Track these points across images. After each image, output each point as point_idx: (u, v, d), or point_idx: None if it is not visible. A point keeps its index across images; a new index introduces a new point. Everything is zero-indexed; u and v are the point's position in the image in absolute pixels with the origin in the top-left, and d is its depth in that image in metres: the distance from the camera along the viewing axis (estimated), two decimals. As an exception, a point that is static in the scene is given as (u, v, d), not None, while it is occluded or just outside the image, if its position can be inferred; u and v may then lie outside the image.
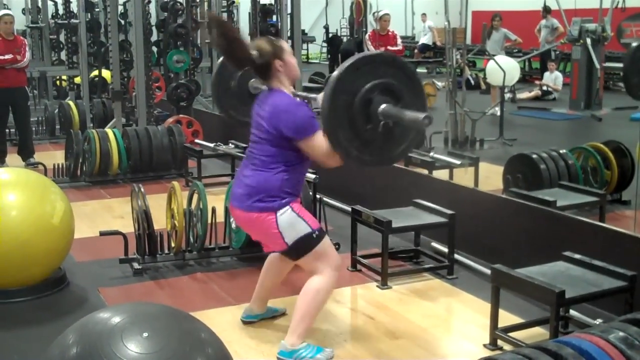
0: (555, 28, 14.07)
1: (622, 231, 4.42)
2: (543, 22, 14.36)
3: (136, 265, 4.94)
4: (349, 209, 5.26)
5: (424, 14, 20.02)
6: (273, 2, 10.92)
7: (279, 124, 3.54)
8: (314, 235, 3.62)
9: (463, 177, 6.65)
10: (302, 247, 3.62)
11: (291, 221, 3.58)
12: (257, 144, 3.67)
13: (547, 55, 14.61)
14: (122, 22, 12.32)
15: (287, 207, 3.58)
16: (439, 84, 13.02)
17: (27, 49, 8.48)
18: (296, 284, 4.48)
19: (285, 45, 3.72)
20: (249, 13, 10.66)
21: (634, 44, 6.36)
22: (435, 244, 5.32)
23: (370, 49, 10.38)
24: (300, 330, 3.66)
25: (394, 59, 3.59)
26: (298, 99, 3.70)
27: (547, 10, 14.23)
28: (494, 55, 11.00)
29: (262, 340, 3.93)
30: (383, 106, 3.33)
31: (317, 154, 3.55)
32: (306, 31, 18.98)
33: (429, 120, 3.19)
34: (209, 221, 4.99)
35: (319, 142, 3.50)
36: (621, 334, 2.72)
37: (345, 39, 17.68)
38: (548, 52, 14.58)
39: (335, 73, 3.39)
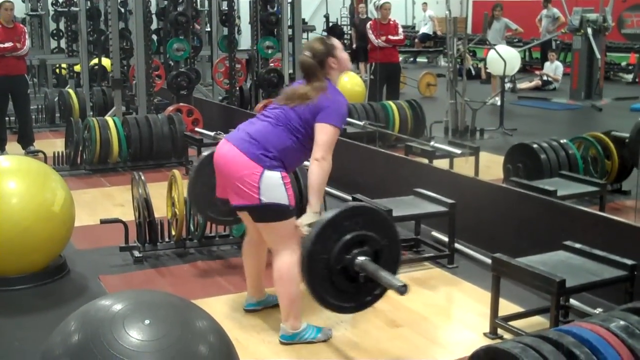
0: (557, 18, 14.04)
1: (623, 221, 4.43)
2: (544, 11, 14.33)
3: (137, 253, 4.95)
4: (350, 198, 5.26)
5: (424, 3, 19.97)
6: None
7: (323, 103, 3.58)
8: (288, 210, 3.60)
9: (463, 166, 6.65)
10: (272, 213, 3.58)
11: (274, 184, 3.54)
12: (279, 110, 3.67)
13: (547, 45, 14.58)
14: (122, 10, 12.28)
15: (278, 171, 3.57)
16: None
17: (26, 36, 8.46)
18: None
19: (337, 42, 3.78)
20: (250, 2, 10.62)
21: None
22: (435, 233, 5.33)
23: (372, 38, 10.36)
24: (294, 312, 3.70)
25: (374, 212, 3.58)
26: None
27: (547, 0, 14.20)
28: (494, 45, 10.99)
29: (263, 328, 3.94)
30: (360, 259, 3.37)
31: (321, 139, 3.55)
32: (306, 20, 18.90)
33: (406, 289, 3.24)
34: (210, 209, 4.99)
35: (332, 137, 3.56)
36: (622, 322, 2.72)
37: (345, 28, 17.66)
38: (549, 42, 14.55)
39: (321, 220, 3.39)
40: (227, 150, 3.66)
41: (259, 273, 4.14)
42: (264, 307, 4.16)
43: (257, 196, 3.53)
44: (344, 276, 3.40)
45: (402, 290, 3.24)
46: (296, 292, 3.69)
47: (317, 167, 3.55)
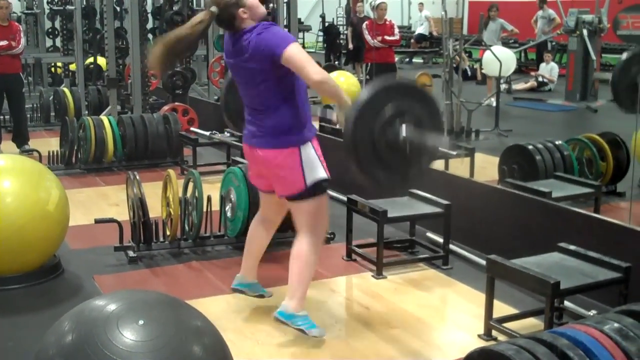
0: (552, 19, 14.05)
1: (617, 222, 4.43)
2: (540, 12, 14.34)
3: (131, 253, 4.94)
4: (345, 198, 5.26)
5: (420, 4, 19.98)
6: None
7: (262, 50, 3.54)
8: (324, 183, 3.70)
9: (459, 167, 6.64)
10: (313, 190, 3.67)
11: (312, 159, 3.64)
12: (252, 95, 3.68)
13: (543, 47, 14.59)
14: (118, 9, 12.25)
15: (309, 142, 3.64)
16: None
17: (21, 35, 8.45)
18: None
19: None
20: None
21: (624, 56, 6.34)
22: (430, 234, 5.33)
23: (368, 38, 10.37)
24: (299, 293, 3.72)
25: (414, 87, 3.65)
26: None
27: (543, 1, 14.22)
28: (490, 46, 11.00)
29: (257, 329, 3.94)
30: (405, 129, 3.40)
31: (300, 64, 3.51)
32: (302, 20, 18.90)
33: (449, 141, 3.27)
34: (205, 209, 4.99)
35: (300, 54, 3.53)
36: (616, 325, 2.72)
37: (341, 28, 17.65)
38: (544, 43, 14.55)
39: (358, 101, 3.40)
40: (257, 155, 3.75)
41: (259, 254, 4.16)
42: (250, 294, 4.17)
43: (302, 179, 3.63)
44: (391, 149, 3.41)
45: (446, 142, 3.29)
46: (307, 276, 3.74)
47: (320, 85, 3.52)
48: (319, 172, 3.67)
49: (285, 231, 4.91)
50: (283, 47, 3.51)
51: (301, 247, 3.73)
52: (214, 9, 3.60)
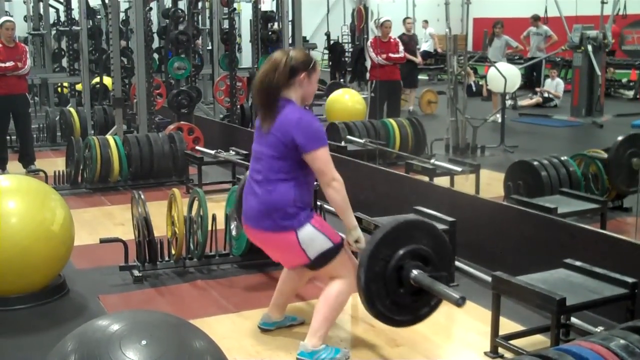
0: (549, 36, 14.01)
1: (623, 238, 4.41)
2: (532, 29, 14.28)
3: (136, 273, 4.94)
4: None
5: (425, 21, 20.01)
6: (274, 9, 10.95)
7: (291, 133, 3.54)
8: (336, 247, 3.68)
9: (464, 184, 6.64)
10: (325, 260, 3.66)
11: (312, 237, 3.61)
12: (262, 161, 3.67)
13: (538, 65, 14.46)
14: (124, 29, 12.35)
15: (307, 223, 3.61)
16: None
17: (28, 56, 8.49)
18: (310, 291, 4.51)
19: (319, 68, 3.75)
20: (250, 20, 10.67)
21: (619, 138, 6.38)
22: (436, 251, 5.31)
23: (372, 56, 10.40)
24: (321, 332, 3.71)
25: (425, 224, 3.70)
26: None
27: (535, 18, 14.20)
28: (495, 62, 11.01)
29: (264, 348, 3.92)
30: (415, 273, 3.47)
31: (320, 166, 3.56)
32: (307, 38, 18.95)
33: (464, 301, 3.36)
34: (210, 228, 4.99)
35: (325, 158, 3.57)
36: (622, 341, 2.70)
37: (346, 46, 17.70)
38: (539, 63, 14.43)
39: (369, 245, 3.50)
40: (254, 236, 3.78)
41: (290, 295, 4.16)
42: (278, 327, 4.14)
43: (305, 256, 3.63)
44: (402, 293, 3.51)
45: (460, 302, 3.34)
46: (332, 317, 3.74)
47: (332, 191, 3.57)
48: (323, 243, 3.63)
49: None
50: (315, 147, 3.55)
51: (333, 288, 3.72)
52: (291, 55, 3.64)
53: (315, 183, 3.76)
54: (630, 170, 6.23)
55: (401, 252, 3.47)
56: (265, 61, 3.74)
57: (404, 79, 12.88)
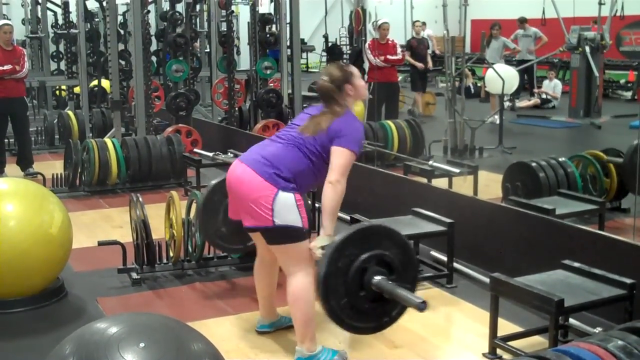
0: (538, 37, 13.95)
1: (622, 239, 4.42)
2: (520, 31, 14.20)
3: (134, 275, 4.93)
4: (348, 217, 5.25)
5: (423, 23, 20.02)
6: (272, 12, 10.95)
7: (338, 126, 3.61)
8: (302, 232, 3.60)
9: (462, 185, 6.64)
10: (285, 235, 3.58)
11: (288, 206, 3.54)
12: (281, 149, 3.67)
13: (530, 68, 14.38)
14: (122, 32, 12.33)
15: (291, 192, 3.57)
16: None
17: (25, 59, 8.49)
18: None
19: (355, 70, 3.79)
20: (248, 23, 10.67)
21: (635, 142, 6.31)
22: (434, 253, 5.32)
23: (370, 58, 10.40)
24: (309, 334, 3.68)
25: (389, 231, 3.55)
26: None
27: (522, 21, 14.14)
28: (492, 64, 11.02)
29: (262, 350, 3.92)
30: (377, 278, 3.36)
31: (339, 164, 3.57)
32: (305, 40, 18.97)
33: (425, 305, 3.23)
34: (208, 231, 4.98)
35: (347, 161, 3.58)
36: (620, 342, 2.71)
37: (344, 48, 17.70)
38: (531, 67, 14.36)
39: (333, 244, 3.38)
40: (241, 171, 3.65)
41: (270, 294, 4.12)
42: (276, 329, 4.14)
43: (270, 218, 3.53)
44: (362, 297, 3.38)
45: (422, 307, 3.23)
46: (311, 314, 3.67)
47: (332, 190, 3.55)
48: (293, 218, 3.56)
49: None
50: (345, 144, 3.58)
51: (294, 288, 3.65)
52: (325, 78, 3.70)
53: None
54: None
55: (367, 254, 3.36)
56: (318, 92, 3.81)
57: (414, 82, 12.84)
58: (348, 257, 3.35)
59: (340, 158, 3.58)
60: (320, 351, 3.69)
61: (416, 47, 12.56)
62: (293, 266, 3.65)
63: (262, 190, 3.54)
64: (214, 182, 4.32)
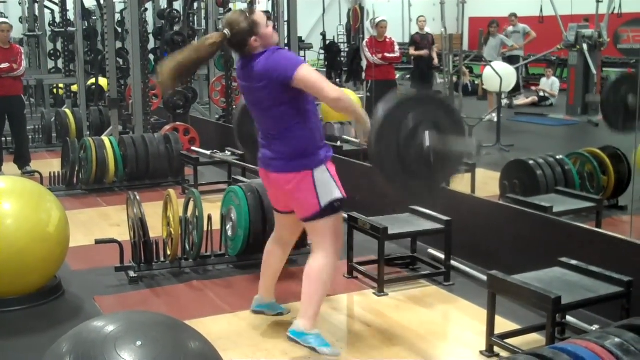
0: (527, 33, 13.92)
1: (619, 237, 4.41)
2: (510, 28, 14.18)
3: (132, 274, 4.93)
4: (345, 215, 5.24)
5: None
6: (270, 10, 10.93)
7: (272, 74, 3.58)
8: (339, 203, 3.72)
9: (460, 183, 6.62)
10: (328, 210, 3.68)
11: (326, 181, 3.66)
12: (264, 119, 3.71)
13: (514, 60, 14.37)
14: (119, 30, 12.31)
15: (323, 165, 3.66)
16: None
17: (23, 57, 8.48)
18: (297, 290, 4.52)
19: (260, 17, 3.69)
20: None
21: (614, 78, 6.42)
22: (431, 251, 5.32)
23: (368, 55, 10.39)
24: (310, 312, 3.74)
25: (437, 97, 3.75)
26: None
27: (514, 16, 14.12)
28: (490, 62, 11.02)
29: (259, 348, 3.92)
30: (430, 137, 3.46)
31: (315, 84, 3.57)
32: (303, 38, 18.95)
33: (480, 146, 3.32)
34: (205, 229, 4.98)
35: (309, 71, 3.59)
36: (617, 340, 2.71)
37: (342, 46, 17.70)
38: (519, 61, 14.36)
39: (381, 112, 3.47)
40: (273, 177, 3.77)
41: (275, 273, 4.18)
42: (269, 314, 4.20)
43: (316, 201, 3.65)
44: (416, 158, 3.48)
45: (478, 150, 3.44)
46: (318, 295, 3.76)
47: (337, 102, 3.58)
48: (334, 192, 3.69)
49: (299, 248, 4.94)
50: (294, 69, 3.54)
51: (314, 265, 3.75)
52: (227, 32, 3.64)
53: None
54: (625, 109, 6.25)
55: (415, 120, 3.46)
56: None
57: (414, 80, 12.78)
58: (394, 128, 3.44)
59: (308, 80, 3.56)
60: (313, 334, 3.74)
61: (420, 42, 12.53)
62: (321, 243, 3.75)
63: (301, 182, 3.65)
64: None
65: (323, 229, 3.74)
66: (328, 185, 3.67)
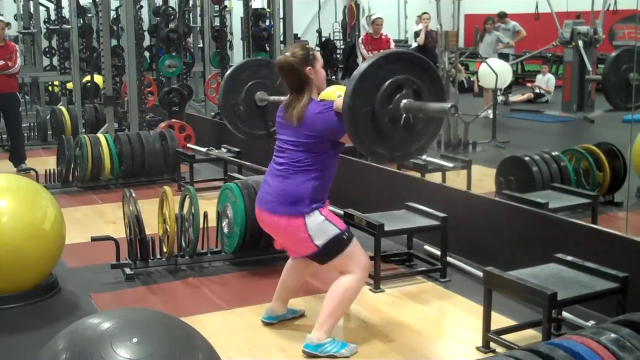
0: (517, 31, 13.89)
1: (614, 233, 4.42)
2: (501, 26, 14.19)
3: (128, 271, 4.93)
4: (341, 212, 5.24)
5: (419, 17, 19.98)
6: (266, 7, 10.93)
7: (319, 127, 3.62)
8: (344, 236, 3.70)
9: (456, 180, 6.65)
10: (333, 249, 3.68)
11: (319, 224, 3.65)
12: (287, 152, 3.71)
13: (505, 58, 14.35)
14: (114, 27, 12.29)
15: (316, 211, 3.65)
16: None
17: (18, 54, 8.46)
18: (313, 285, 4.56)
19: (319, 55, 3.79)
20: (242, 18, 10.65)
21: (613, 54, 6.43)
22: (428, 247, 5.32)
23: (363, 52, 10.39)
24: (327, 326, 3.74)
25: (413, 56, 3.66)
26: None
27: (501, 15, 14.10)
28: (486, 58, 11.02)
29: (255, 345, 3.92)
30: (405, 101, 3.42)
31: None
32: (299, 35, 18.93)
33: (455, 109, 3.30)
34: (201, 226, 4.98)
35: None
36: (613, 335, 2.71)
37: (338, 43, 17.69)
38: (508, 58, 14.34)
39: (355, 74, 3.44)
40: (264, 219, 3.81)
41: (294, 288, 4.17)
42: (280, 321, 4.17)
43: (312, 244, 3.65)
44: (391, 124, 3.45)
45: (452, 110, 3.28)
46: (339, 312, 3.78)
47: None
48: (330, 230, 3.67)
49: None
50: (328, 114, 3.62)
51: (342, 283, 3.74)
52: (288, 54, 3.70)
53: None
54: (626, 85, 6.26)
55: (389, 82, 3.41)
56: (278, 70, 3.79)
57: None
58: (370, 89, 3.40)
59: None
60: (328, 342, 3.73)
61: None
62: (349, 266, 3.74)
63: (292, 226, 3.67)
64: (242, 61, 4.39)
65: (342, 262, 3.73)
66: (323, 227, 3.65)
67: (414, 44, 19.43)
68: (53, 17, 14.05)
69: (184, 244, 5.08)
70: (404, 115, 3.43)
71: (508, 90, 13.15)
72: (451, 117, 3.44)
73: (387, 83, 3.42)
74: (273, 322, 4.14)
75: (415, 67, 3.53)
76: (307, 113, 3.65)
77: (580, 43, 11.47)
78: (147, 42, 11.84)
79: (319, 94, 3.75)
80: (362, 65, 3.47)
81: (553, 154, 6.23)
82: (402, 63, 3.52)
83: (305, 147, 3.65)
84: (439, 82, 3.66)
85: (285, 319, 4.17)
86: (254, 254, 5.20)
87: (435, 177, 6.57)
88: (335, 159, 3.77)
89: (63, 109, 10.55)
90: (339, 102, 3.55)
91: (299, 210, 3.63)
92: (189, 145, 8.50)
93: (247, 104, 4.59)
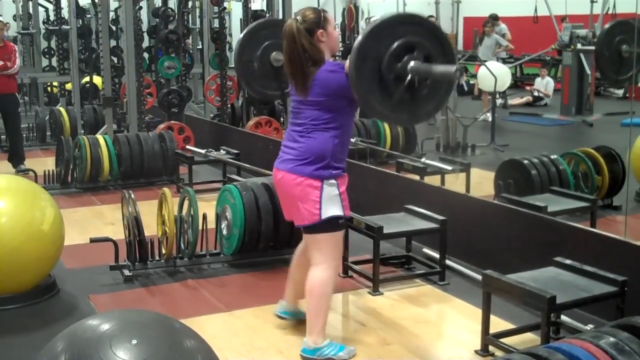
0: (504, 34, 13.91)
1: (613, 236, 4.42)
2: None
3: (127, 272, 4.92)
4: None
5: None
6: (264, 8, 10.93)
7: (334, 85, 3.56)
8: (340, 221, 3.68)
9: (454, 182, 6.65)
10: (328, 226, 3.65)
11: (333, 197, 3.62)
12: (304, 112, 3.66)
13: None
14: (114, 28, 12.30)
15: (335, 181, 3.63)
16: None
17: (17, 55, 8.46)
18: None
19: (330, 17, 3.72)
20: (241, 19, 10.66)
21: (607, 26, 6.43)
22: (426, 250, 5.32)
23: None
24: (318, 327, 3.70)
25: (420, 18, 3.61)
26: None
27: (493, 17, 14.11)
28: (485, 61, 11.03)
29: (254, 347, 3.92)
30: (412, 63, 3.39)
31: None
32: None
33: (461, 72, 3.29)
34: (200, 227, 4.97)
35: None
36: (612, 339, 2.71)
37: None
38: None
39: (359, 38, 3.42)
40: (281, 177, 3.72)
41: (299, 283, 4.09)
42: (293, 319, 4.14)
43: (317, 212, 3.60)
44: (395, 82, 3.41)
45: (457, 74, 3.27)
46: (323, 309, 3.72)
47: None
48: (338, 209, 3.64)
49: (282, 249, 4.92)
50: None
51: (317, 280, 3.70)
52: (298, 18, 3.63)
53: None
54: (619, 58, 6.26)
55: (396, 44, 3.38)
56: (282, 34, 3.69)
57: None
58: (382, 43, 3.37)
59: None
60: (325, 345, 3.71)
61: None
62: (321, 256, 3.70)
63: (308, 187, 3.61)
64: (262, 19, 4.33)
65: (324, 243, 3.70)
66: (333, 200, 3.63)
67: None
68: (52, 17, 14.07)
69: (182, 246, 5.08)
70: (410, 76, 3.40)
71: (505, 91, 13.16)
72: (456, 80, 3.40)
73: (400, 41, 3.39)
74: (287, 317, 4.13)
75: (432, 37, 3.50)
76: (320, 72, 3.60)
77: (579, 46, 11.49)
78: (146, 43, 11.83)
79: (332, 55, 3.71)
80: (388, 14, 3.44)
81: (552, 157, 6.24)
82: (422, 28, 3.50)
83: (321, 106, 3.60)
84: (451, 58, 3.60)
85: (299, 318, 4.11)
86: (252, 256, 5.20)
87: (434, 180, 6.58)
88: (352, 117, 3.74)
89: (62, 109, 10.55)
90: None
91: (319, 174, 3.60)
92: (188, 146, 8.50)
93: (262, 62, 4.54)
